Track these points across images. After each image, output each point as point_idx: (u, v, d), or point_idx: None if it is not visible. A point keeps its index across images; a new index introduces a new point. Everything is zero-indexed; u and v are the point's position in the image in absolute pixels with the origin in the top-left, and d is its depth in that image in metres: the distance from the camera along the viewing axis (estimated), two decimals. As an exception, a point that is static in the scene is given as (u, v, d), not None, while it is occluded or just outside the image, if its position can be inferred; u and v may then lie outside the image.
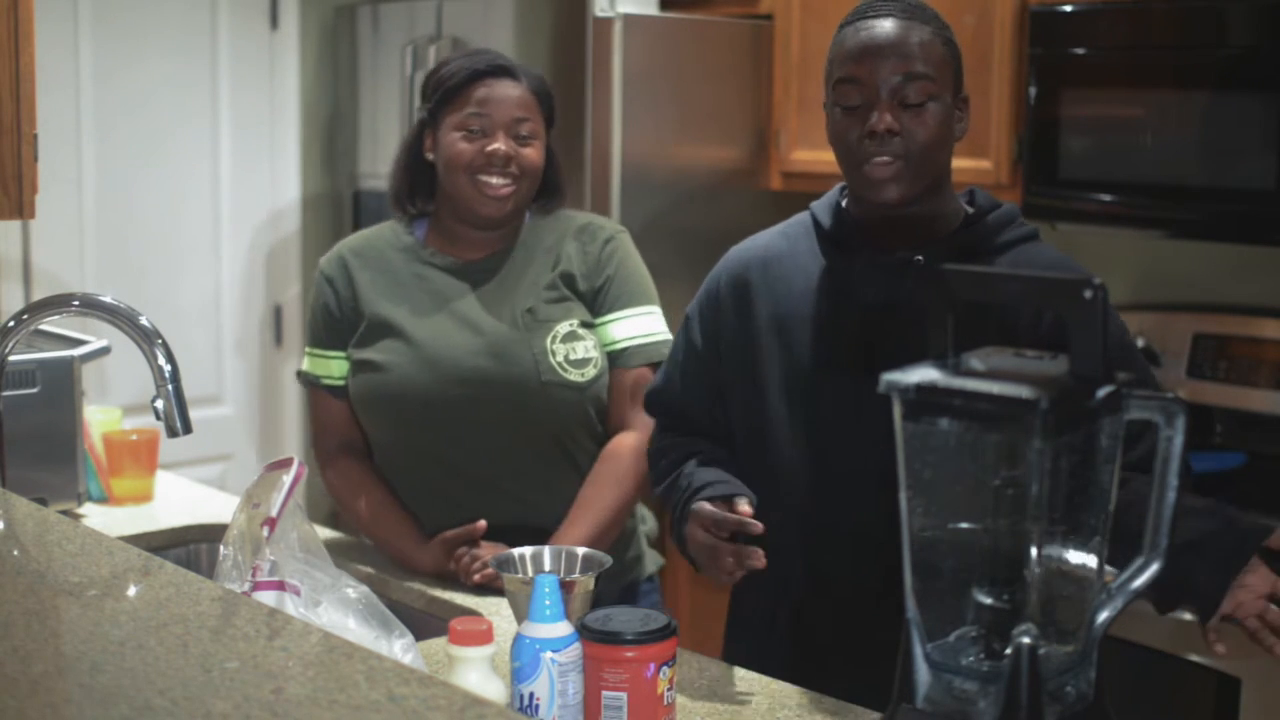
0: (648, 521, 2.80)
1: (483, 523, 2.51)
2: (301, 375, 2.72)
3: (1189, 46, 3.30)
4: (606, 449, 2.62)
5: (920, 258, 2.10)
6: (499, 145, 2.55)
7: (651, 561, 2.76)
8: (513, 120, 2.57)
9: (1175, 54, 3.32)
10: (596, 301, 2.64)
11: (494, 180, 2.56)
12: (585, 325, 2.61)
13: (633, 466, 2.59)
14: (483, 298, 2.61)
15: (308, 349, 2.72)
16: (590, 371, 2.59)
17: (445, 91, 2.61)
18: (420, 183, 2.68)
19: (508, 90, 2.58)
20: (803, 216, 2.28)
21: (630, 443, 2.61)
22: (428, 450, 2.59)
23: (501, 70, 2.60)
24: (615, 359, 2.63)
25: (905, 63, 2.06)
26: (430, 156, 2.64)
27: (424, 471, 2.61)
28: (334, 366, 2.66)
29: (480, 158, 2.56)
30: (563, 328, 2.59)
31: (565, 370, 2.57)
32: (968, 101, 2.15)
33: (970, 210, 2.18)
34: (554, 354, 2.56)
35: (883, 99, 2.07)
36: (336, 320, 2.65)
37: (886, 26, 2.07)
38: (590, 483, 2.59)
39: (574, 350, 2.58)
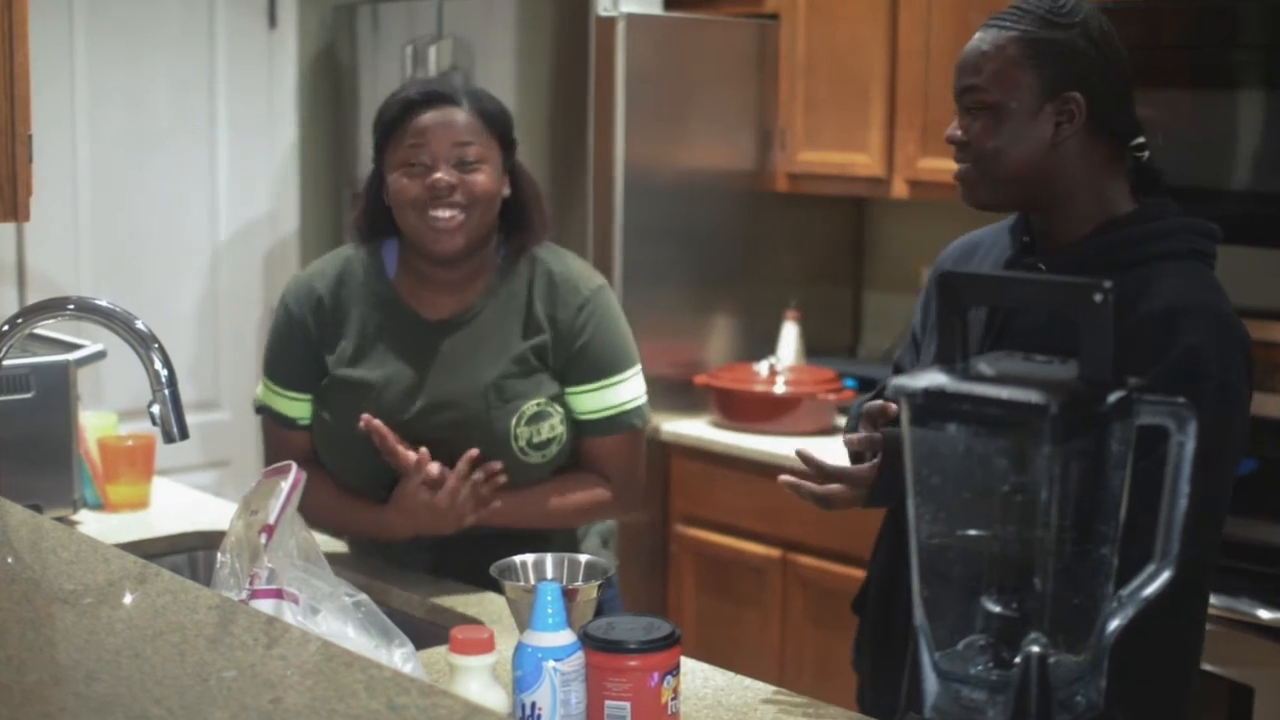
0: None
1: (424, 451, 2.46)
2: (262, 410, 2.65)
3: (1201, 46, 3.29)
4: (585, 479, 2.59)
5: (1042, 266, 2.10)
6: (440, 175, 2.46)
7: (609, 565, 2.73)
8: (453, 146, 2.47)
9: (1187, 54, 3.31)
10: (567, 372, 2.56)
11: (441, 213, 2.46)
12: (554, 399, 2.54)
13: (590, 505, 2.58)
14: (452, 360, 2.54)
15: (268, 383, 2.63)
16: (553, 450, 2.54)
17: (384, 128, 2.53)
18: (381, 226, 2.59)
19: (446, 116, 2.49)
20: None
21: (601, 494, 2.58)
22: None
23: (438, 97, 2.50)
24: (587, 428, 2.57)
25: (964, 74, 2.11)
26: (387, 201, 2.55)
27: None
28: (296, 408, 2.61)
29: (424, 192, 2.46)
30: (529, 408, 2.51)
31: (526, 454, 2.51)
32: (1070, 100, 2.07)
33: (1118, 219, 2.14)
34: (517, 438, 2.50)
35: (956, 109, 2.13)
36: (301, 361, 2.59)
37: (977, 37, 2.12)
38: (556, 480, 2.56)
39: (538, 432, 2.52)
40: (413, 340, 2.56)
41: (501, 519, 2.52)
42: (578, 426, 2.57)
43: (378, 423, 2.47)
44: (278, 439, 2.64)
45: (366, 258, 2.61)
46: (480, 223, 2.51)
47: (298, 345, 2.59)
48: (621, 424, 2.58)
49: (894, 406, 2.06)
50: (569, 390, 2.55)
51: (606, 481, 2.59)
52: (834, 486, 2.08)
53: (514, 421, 2.50)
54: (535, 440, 2.51)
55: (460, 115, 2.50)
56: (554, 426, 2.53)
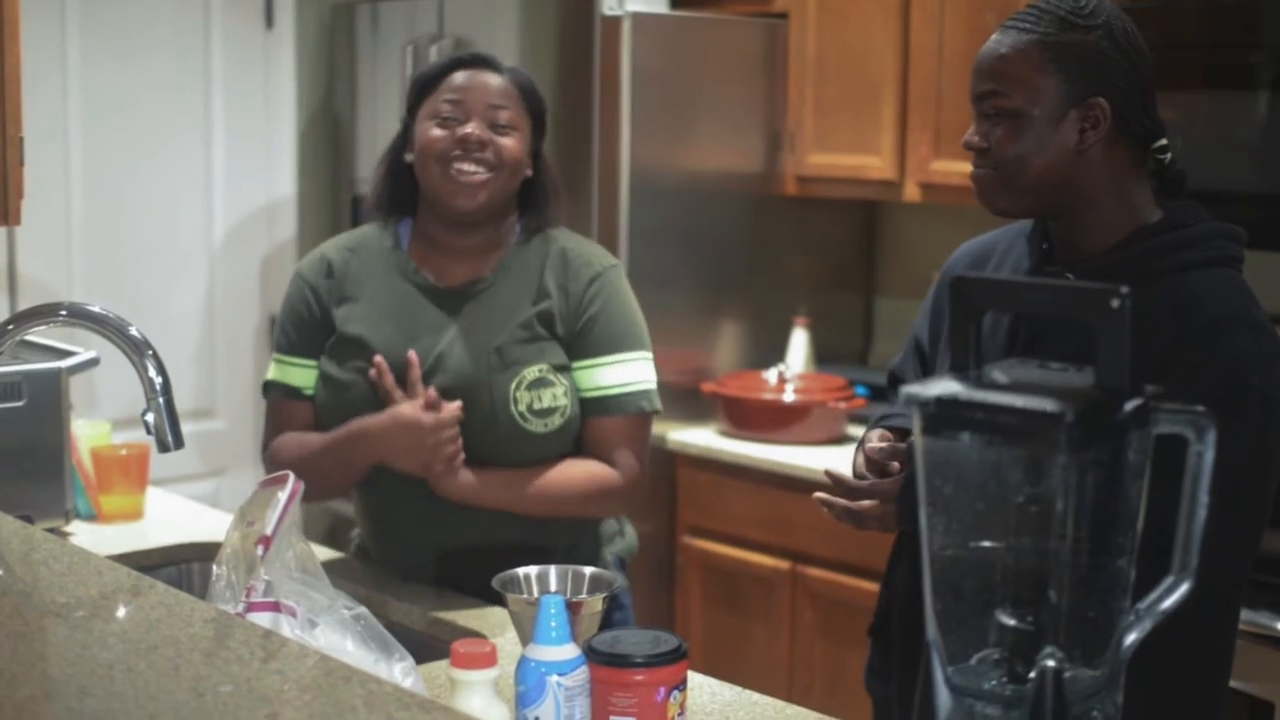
0: (626, 536, 2.73)
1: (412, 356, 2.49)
2: (269, 388, 2.64)
3: (1220, 46, 3.27)
4: (591, 463, 2.55)
5: (1070, 276, 2.05)
6: (472, 129, 2.49)
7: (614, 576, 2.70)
8: (489, 106, 2.52)
9: (1206, 54, 3.29)
10: (575, 345, 2.55)
11: (467, 167, 2.49)
12: (559, 369, 2.53)
13: (593, 489, 2.53)
14: (459, 325, 2.54)
15: (277, 355, 2.64)
16: (556, 420, 2.51)
17: (423, 82, 2.57)
18: (401, 189, 2.62)
19: (486, 78, 2.54)
20: None
21: (603, 475, 2.54)
22: (401, 472, 2.53)
23: (480, 60, 2.57)
24: (593, 406, 2.55)
25: (983, 78, 2.07)
26: (410, 159, 2.58)
27: (401, 491, 2.54)
28: (302, 376, 2.61)
29: (453, 144, 2.49)
30: (530, 373, 2.50)
31: (526, 420, 2.49)
32: (1095, 106, 2.04)
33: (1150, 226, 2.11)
34: (516, 402, 2.49)
35: (974, 113, 2.09)
36: (308, 325, 2.60)
37: (994, 39, 2.07)
38: (553, 466, 2.53)
39: (539, 399, 2.50)
40: (422, 305, 2.57)
41: (498, 492, 2.50)
42: (583, 406, 2.55)
43: (411, 353, 2.49)
44: (281, 410, 2.63)
45: (382, 232, 2.65)
46: (503, 188, 2.53)
47: (307, 310, 2.61)
48: (627, 405, 2.56)
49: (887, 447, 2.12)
50: (575, 365, 2.55)
51: (610, 466, 2.56)
52: (865, 503, 2.11)
53: (514, 385, 2.49)
54: (536, 407, 2.50)
55: (498, 80, 2.55)
56: (557, 396, 2.51)
